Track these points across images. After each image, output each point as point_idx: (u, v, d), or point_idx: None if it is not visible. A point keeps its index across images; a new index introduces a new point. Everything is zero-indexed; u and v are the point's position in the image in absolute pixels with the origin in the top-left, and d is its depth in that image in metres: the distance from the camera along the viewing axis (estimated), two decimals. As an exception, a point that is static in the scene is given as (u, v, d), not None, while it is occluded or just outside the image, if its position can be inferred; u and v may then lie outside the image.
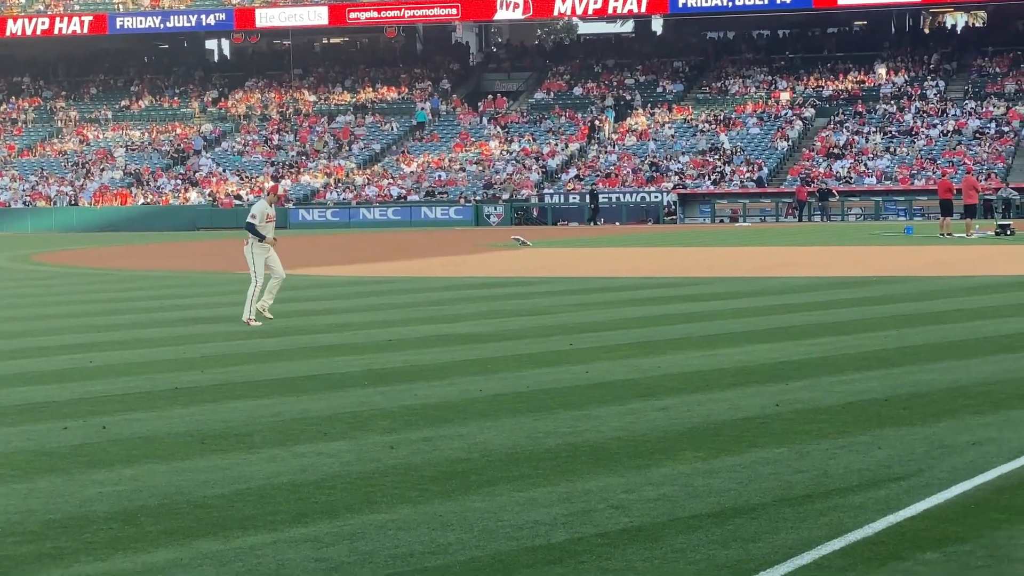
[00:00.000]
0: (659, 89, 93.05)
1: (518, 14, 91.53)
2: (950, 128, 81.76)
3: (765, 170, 79.78)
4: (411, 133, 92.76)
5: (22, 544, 9.27)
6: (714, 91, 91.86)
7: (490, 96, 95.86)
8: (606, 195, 78.58)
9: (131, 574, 8.54)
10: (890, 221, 71.35)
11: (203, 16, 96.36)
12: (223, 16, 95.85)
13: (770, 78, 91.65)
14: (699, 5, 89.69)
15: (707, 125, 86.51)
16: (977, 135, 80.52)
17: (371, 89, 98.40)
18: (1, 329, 24.18)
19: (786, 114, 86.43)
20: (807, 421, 13.23)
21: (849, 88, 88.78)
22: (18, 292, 34.24)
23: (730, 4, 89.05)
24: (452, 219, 79.45)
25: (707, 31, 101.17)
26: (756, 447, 11.99)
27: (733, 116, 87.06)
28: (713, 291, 29.41)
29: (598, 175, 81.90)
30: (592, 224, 76.22)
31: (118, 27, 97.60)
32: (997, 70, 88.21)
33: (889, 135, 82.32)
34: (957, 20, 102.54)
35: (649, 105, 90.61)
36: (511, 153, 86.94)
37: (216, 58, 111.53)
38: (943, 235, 51.53)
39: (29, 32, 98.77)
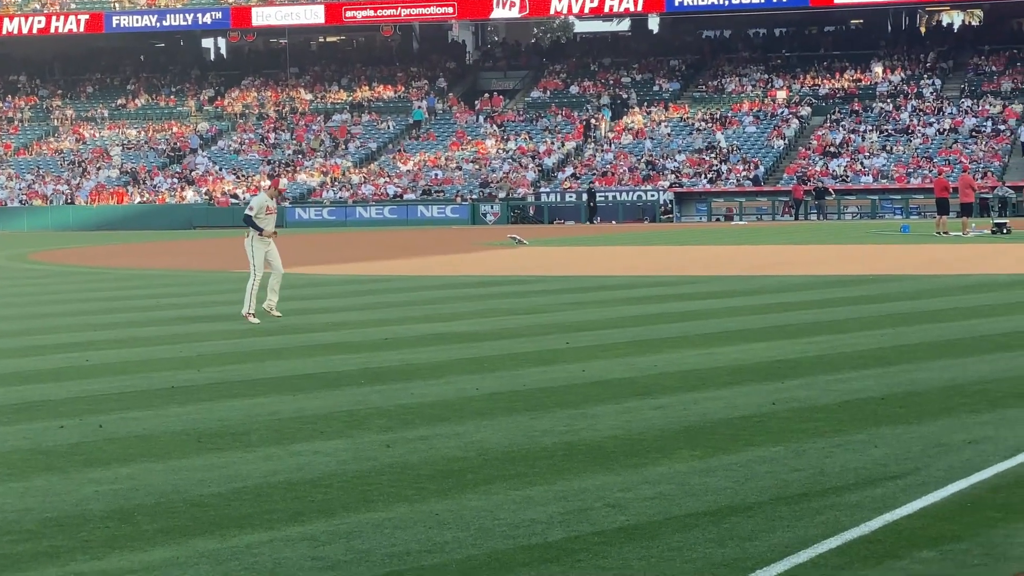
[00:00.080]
0: (655, 87, 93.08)
1: (514, 12, 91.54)
2: (946, 126, 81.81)
3: (761, 169, 79.82)
4: (407, 132, 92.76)
5: (18, 543, 9.26)
6: (710, 89, 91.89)
7: (486, 95, 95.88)
8: (602, 194, 78.58)
9: (128, 573, 8.53)
10: (886, 220, 71.39)
11: (199, 15, 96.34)
12: (219, 15, 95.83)
13: (766, 76, 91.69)
14: (695, 4, 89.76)
15: (703, 123, 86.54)
16: (973, 133, 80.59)
17: (367, 88, 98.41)
18: (-3, 328, 24.18)
19: (782, 112, 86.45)
20: (803, 420, 13.23)
21: (845, 86, 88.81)
22: (14, 291, 34.23)
23: (726, 3, 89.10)
24: (448, 218, 79.47)
25: (703, 30, 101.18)
26: (752, 446, 11.99)
27: (729, 115, 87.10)
28: (709, 290, 29.41)
29: (594, 174, 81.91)
30: (589, 223, 76.26)
31: (114, 26, 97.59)
32: (993, 68, 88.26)
33: (885, 133, 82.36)
34: (953, 18, 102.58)
35: (645, 103, 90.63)
36: (507, 152, 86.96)
37: (212, 57, 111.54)
38: (939, 233, 51.55)
39: (25, 31, 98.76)
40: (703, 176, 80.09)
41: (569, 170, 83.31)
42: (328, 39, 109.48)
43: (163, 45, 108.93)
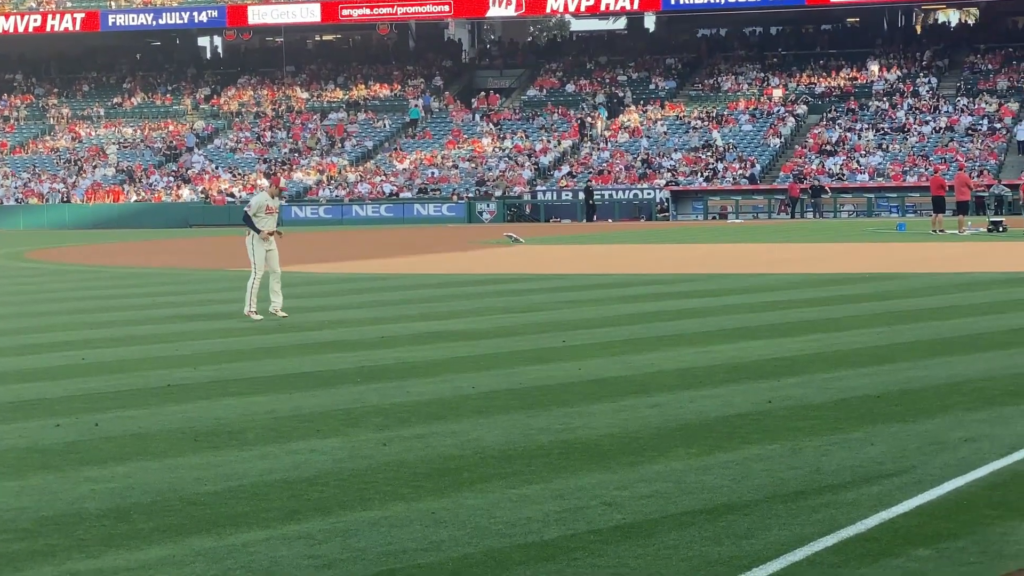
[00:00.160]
0: (652, 86, 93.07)
1: (511, 11, 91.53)
2: (942, 125, 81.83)
3: (758, 167, 79.84)
4: (404, 130, 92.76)
5: (14, 542, 9.26)
6: (707, 88, 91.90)
7: (482, 93, 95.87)
8: (599, 192, 78.56)
9: (124, 571, 8.53)
10: (882, 218, 71.42)
11: (195, 13, 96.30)
12: (215, 13, 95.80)
13: (763, 75, 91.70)
14: (691, 2, 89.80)
15: (700, 122, 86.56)
16: (969, 132, 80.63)
17: (363, 86, 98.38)
18: (-7, 326, 24.16)
19: (779, 111, 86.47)
20: (800, 418, 13.24)
21: (842, 85, 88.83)
22: (11, 289, 34.20)
23: (722, 1, 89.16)
24: (445, 216, 79.47)
25: (699, 28, 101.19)
26: (749, 444, 12.00)
27: (726, 113, 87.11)
28: (706, 288, 29.42)
29: (591, 172, 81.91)
30: (587, 221, 76.27)
31: (110, 24, 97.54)
32: (989, 67, 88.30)
33: (882, 132, 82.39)
34: (949, 17, 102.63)
35: (641, 102, 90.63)
36: (504, 150, 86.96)
37: (208, 55, 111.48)
38: (935, 232, 51.59)
39: (21, 29, 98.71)
40: (699, 174, 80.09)
41: (565, 168, 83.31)
42: (324, 37, 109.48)
43: (159, 43, 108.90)
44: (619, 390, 15.18)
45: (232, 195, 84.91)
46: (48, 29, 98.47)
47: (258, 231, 24.04)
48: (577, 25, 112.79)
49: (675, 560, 8.52)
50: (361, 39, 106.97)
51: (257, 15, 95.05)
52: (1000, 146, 79.02)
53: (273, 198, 24.52)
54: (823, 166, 78.85)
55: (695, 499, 10.02)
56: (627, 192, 79.23)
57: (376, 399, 14.90)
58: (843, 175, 77.81)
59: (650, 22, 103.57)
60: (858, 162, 78.98)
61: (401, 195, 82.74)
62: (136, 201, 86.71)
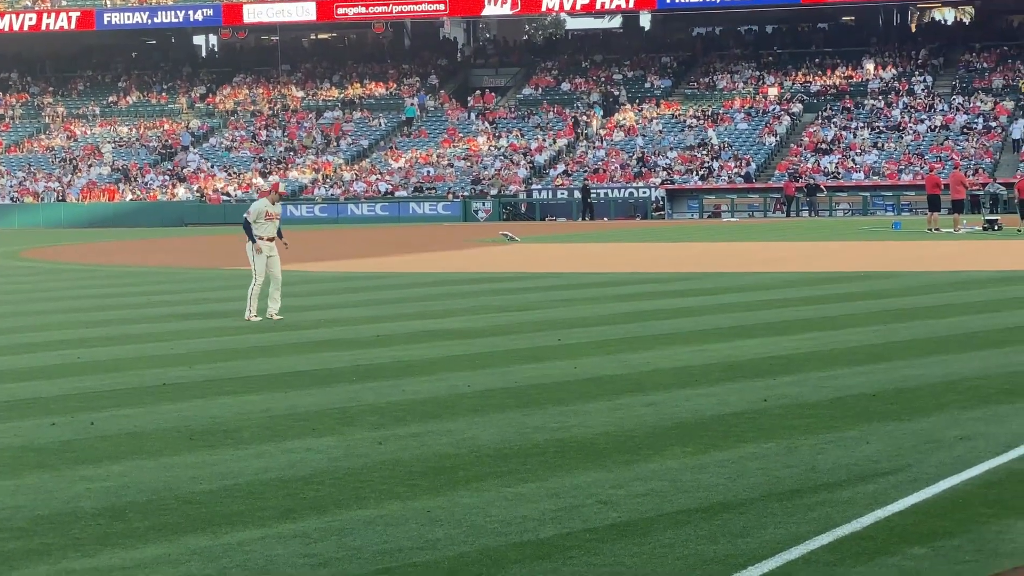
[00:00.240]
0: (647, 84, 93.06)
1: (506, 9, 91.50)
2: (938, 123, 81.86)
3: (753, 165, 79.84)
4: (399, 129, 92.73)
5: (9, 540, 9.25)
6: (702, 87, 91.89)
7: (478, 92, 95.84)
8: (594, 191, 78.55)
9: (119, 570, 8.53)
10: (878, 216, 71.43)
11: (191, 12, 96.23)
12: (211, 12, 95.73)
13: (758, 73, 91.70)
14: (687, 1, 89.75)
15: (695, 120, 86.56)
16: (965, 130, 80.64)
17: (359, 85, 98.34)
18: (-11, 325, 24.15)
19: (774, 109, 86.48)
20: (795, 416, 13.24)
21: (837, 83, 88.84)
22: (6, 288, 34.18)
23: (718, 0, 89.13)
24: (440, 215, 79.45)
25: (695, 27, 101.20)
26: (744, 442, 12.00)
27: (721, 111, 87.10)
28: (701, 287, 29.43)
29: (586, 171, 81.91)
30: (582, 219, 76.29)
31: (105, 23, 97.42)
32: (985, 65, 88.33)
33: (877, 130, 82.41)
34: (945, 15, 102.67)
35: (637, 100, 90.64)
36: (499, 149, 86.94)
37: (204, 54, 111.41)
38: (931, 230, 51.61)
39: (16, 28, 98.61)
40: (695, 173, 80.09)
41: (561, 167, 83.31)
42: (320, 36, 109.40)
43: (154, 42, 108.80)
44: (615, 389, 15.19)
45: (227, 194, 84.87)
46: (43, 28, 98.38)
47: (254, 240, 23.87)
48: (572, 23, 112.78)
49: (671, 558, 8.52)
50: (357, 38, 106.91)
51: (252, 14, 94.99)
52: (995, 144, 79.05)
53: (273, 204, 24.32)
54: (818, 164, 78.86)
55: (691, 497, 10.02)
56: (623, 191, 79.23)
57: (372, 398, 14.90)
58: (838, 174, 77.81)
59: (645, 20, 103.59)
60: (853, 160, 79.00)
61: (396, 194, 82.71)
62: (131, 200, 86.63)
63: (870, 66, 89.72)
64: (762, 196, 77.62)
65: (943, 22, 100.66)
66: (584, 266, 37.74)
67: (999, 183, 67.18)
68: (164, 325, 23.42)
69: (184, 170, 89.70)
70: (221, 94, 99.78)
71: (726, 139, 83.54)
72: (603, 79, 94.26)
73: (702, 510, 9.66)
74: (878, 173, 77.35)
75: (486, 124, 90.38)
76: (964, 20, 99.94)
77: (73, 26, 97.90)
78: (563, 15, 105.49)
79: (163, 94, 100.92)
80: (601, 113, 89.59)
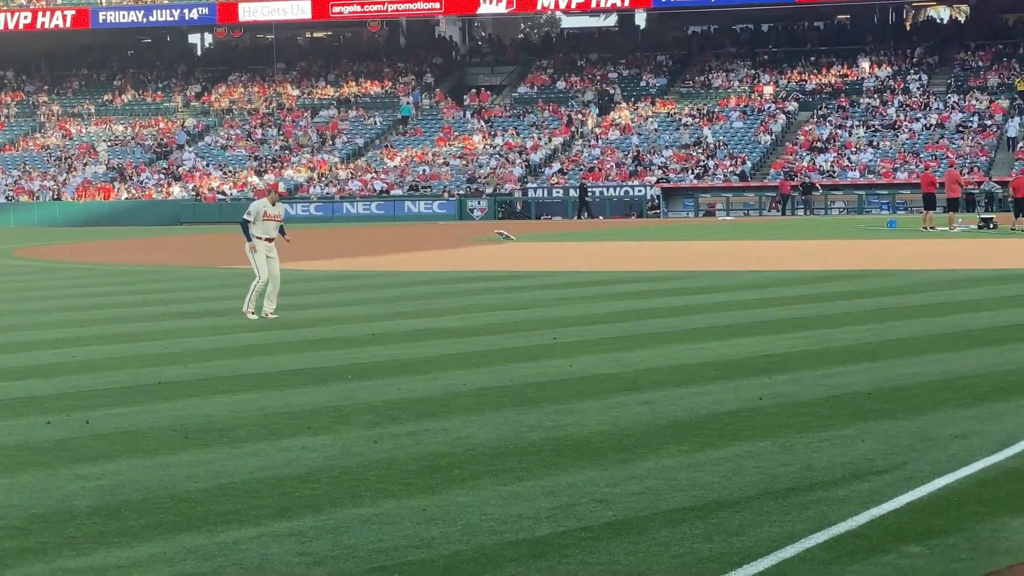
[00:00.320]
0: (642, 83, 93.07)
1: (501, 8, 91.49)
2: (933, 122, 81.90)
3: (748, 164, 79.85)
4: (394, 127, 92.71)
5: (5, 539, 9.25)
6: (697, 85, 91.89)
7: (473, 90, 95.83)
8: (590, 189, 78.52)
9: (115, 568, 8.52)
10: (873, 215, 71.46)
11: (186, 10, 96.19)
12: (206, 10, 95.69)
13: (753, 72, 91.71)
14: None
15: (690, 119, 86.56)
16: (960, 129, 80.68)
17: (354, 83, 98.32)
18: (-16, 324, 24.13)
19: (769, 108, 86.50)
20: (791, 415, 13.25)
21: (832, 82, 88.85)
22: (1, 287, 34.14)
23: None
24: (436, 213, 79.44)
25: (690, 25, 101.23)
26: (740, 441, 12.01)
27: (716, 110, 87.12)
28: (697, 285, 29.44)
29: (581, 169, 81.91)
30: (577, 218, 76.30)
31: (100, 21, 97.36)
32: (980, 64, 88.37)
33: (872, 129, 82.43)
34: (940, 14, 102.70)
35: (632, 99, 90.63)
36: (494, 147, 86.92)
37: (199, 52, 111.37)
38: (926, 229, 51.64)
39: (11, 26, 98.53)
40: (690, 171, 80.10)
41: (556, 166, 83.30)
42: (315, 34, 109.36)
43: (150, 41, 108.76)
44: (610, 387, 15.19)
45: (223, 193, 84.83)
46: (38, 26, 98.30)
47: (250, 239, 23.83)
48: (568, 22, 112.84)
49: (666, 557, 8.52)
50: (352, 36, 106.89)
51: (248, 12, 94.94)
52: (990, 143, 79.10)
53: (274, 205, 24.23)
54: (814, 163, 78.89)
55: (686, 496, 10.02)
56: (618, 189, 79.24)
57: (367, 396, 14.90)
58: (834, 172, 77.85)
59: (641, 19, 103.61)
60: (849, 159, 79.03)
61: (392, 192, 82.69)
62: (126, 199, 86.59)
63: (865, 64, 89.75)
64: (757, 195, 77.64)
65: (938, 20, 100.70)
66: (579, 265, 37.74)
67: (994, 181, 67.23)
68: (159, 324, 23.40)
69: (179, 169, 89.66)
70: (216, 93, 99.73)
71: (721, 137, 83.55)
72: (598, 77, 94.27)
73: (697, 508, 9.66)
74: (873, 171, 77.39)
75: (481, 123, 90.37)
76: (959, 18, 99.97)
77: (68, 24, 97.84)
78: (558, 13, 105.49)
79: (158, 93, 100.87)
80: (596, 111, 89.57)
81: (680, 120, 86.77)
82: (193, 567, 8.52)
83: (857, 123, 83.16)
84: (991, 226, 51.17)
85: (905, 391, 14.52)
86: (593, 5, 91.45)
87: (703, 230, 58.84)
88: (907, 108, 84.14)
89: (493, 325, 22.05)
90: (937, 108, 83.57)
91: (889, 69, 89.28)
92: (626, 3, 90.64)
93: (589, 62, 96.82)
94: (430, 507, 9.82)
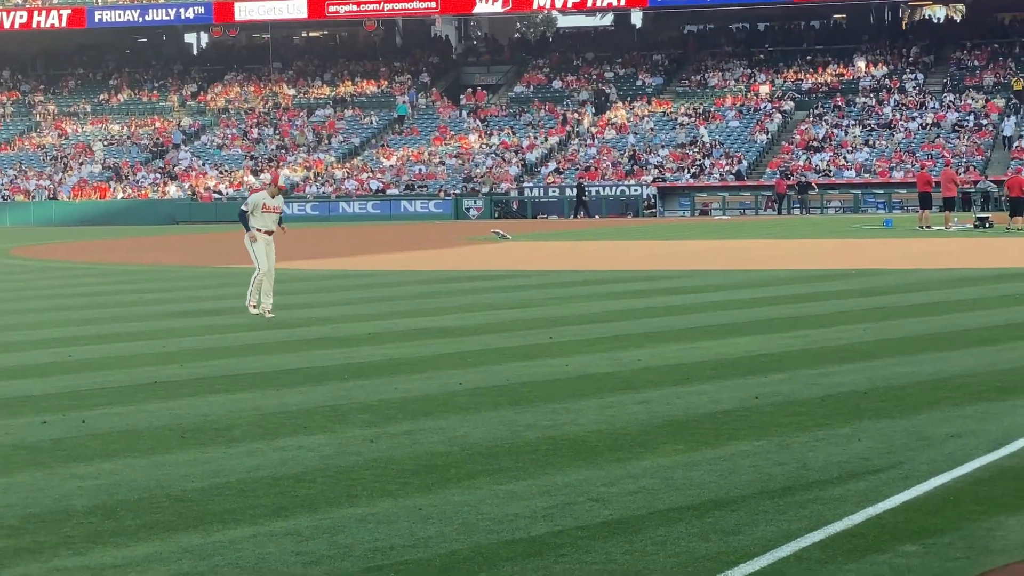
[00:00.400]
0: (639, 82, 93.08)
1: (497, 7, 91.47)
2: (929, 121, 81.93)
3: (744, 163, 79.87)
4: (391, 126, 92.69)
5: (1, 539, 9.24)
6: (693, 84, 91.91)
7: (469, 89, 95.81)
8: (587, 188, 78.52)
9: (111, 568, 8.52)
10: (869, 214, 71.47)
11: (182, 9, 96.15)
12: (202, 9, 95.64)
13: (749, 71, 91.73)
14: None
15: (687, 118, 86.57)
16: (956, 128, 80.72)
17: (350, 83, 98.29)
18: (-20, 323, 24.11)
19: (765, 107, 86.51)
20: (787, 414, 13.25)
21: (828, 81, 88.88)
22: (-3, 286, 34.14)
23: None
24: (432, 212, 79.45)
25: (686, 24, 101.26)
26: (736, 440, 12.01)
27: (712, 109, 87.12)
28: (693, 284, 29.44)
29: (577, 168, 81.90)
30: (574, 217, 76.29)
31: (96, 20, 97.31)
32: (976, 63, 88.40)
33: (868, 128, 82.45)
34: (936, 13, 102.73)
35: (628, 98, 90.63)
36: (491, 146, 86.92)
37: (195, 52, 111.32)
38: (922, 228, 51.66)
39: (7, 26, 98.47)
40: (686, 171, 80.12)
41: (552, 165, 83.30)
42: (311, 34, 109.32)
43: (146, 40, 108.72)
44: (606, 386, 15.19)
45: (219, 192, 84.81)
46: (34, 26, 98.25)
47: (248, 229, 23.82)
48: (564, 21, 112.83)
49: (662, 556, 8.53)
50: (348, 35, 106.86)
51: (244, 11, 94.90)
52: (986, 142, 79.12)
53: (273, 197, 24.19)
54: (810, 162, 78.90)
55: (682, 495, 10.02)
56: (614, 188, 79.24)
57: (363, 396, 14.90)
58: (830, 171, 77.87)
59: (637, 18, 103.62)
60: (845, 158, 79.05)
61: (388, 192, 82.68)
62: (123, 198, 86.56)
63: (861, 64, 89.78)
64: (754, 194, 77.67)
65: (934, 20, 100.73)
66: (575, 264, 37.74)
67: (990, 180, 67.28)
68: (155, 323, 23.39)
69: (175, 168, 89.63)
70: (212, 92, 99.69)
71: (717, 137, 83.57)
72: (595, 77, 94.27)
73: (694, 508, 9.66)
74: (869, 171, 77.41)
75: (478, 122, 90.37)
76: (955, 18, 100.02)
77: (64, 24, 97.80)
78: (554, 13, 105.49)
79: (154, 92, 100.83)
80: (592, 111, 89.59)
81: (676, 119, 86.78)
82: (189, 566, 8.52)
83: (853, 122, 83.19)
84: (987, 225, 51.18)
85: (901, 390, 14.53)
86: (589, 4, 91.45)
87: (699, 229, 58.85)
88: (903, 107, 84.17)
89: (489, 324, 22.06)
90: (933, 107, 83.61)
91: (885, 68, 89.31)
92: (622, 2, 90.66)
93: (585, 61, 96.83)
94: (426, 506, 9.82)
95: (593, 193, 78.31)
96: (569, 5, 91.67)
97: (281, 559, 8.62)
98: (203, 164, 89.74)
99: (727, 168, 79.43)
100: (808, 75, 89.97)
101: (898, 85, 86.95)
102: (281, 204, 24.41)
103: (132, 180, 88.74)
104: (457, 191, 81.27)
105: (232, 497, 10.25)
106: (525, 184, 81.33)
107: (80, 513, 9.86)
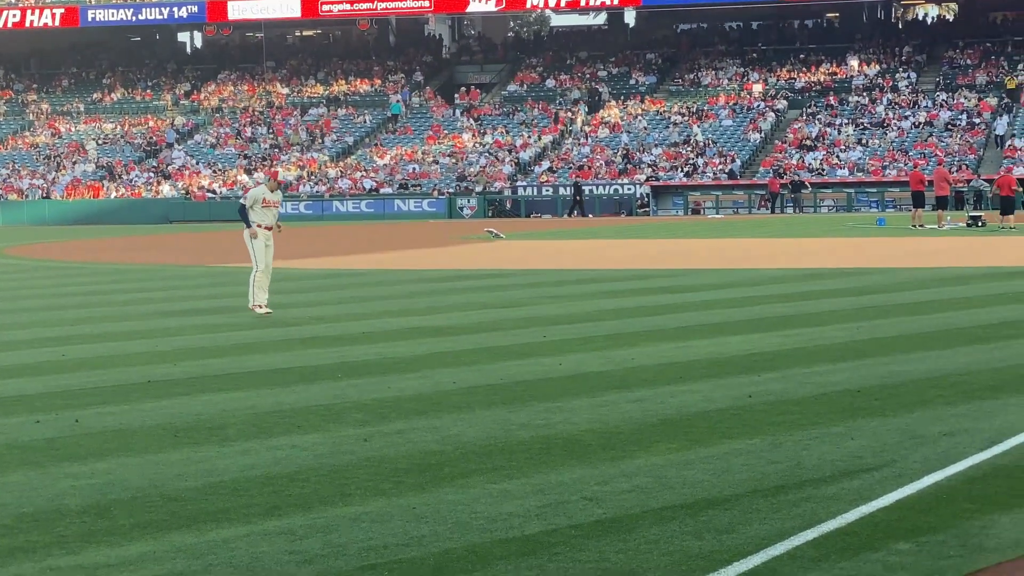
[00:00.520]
0: (632, 81, 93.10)
1: (491, 6, 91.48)
2: (922, 120, 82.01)
3: (738, 162, 79.91)
4: (384, 125, 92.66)
5: (-5, 538, 9.24)
6: (687, 83, 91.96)
7: (463, 88, 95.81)
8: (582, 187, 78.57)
9: (104, 567, 8.51)
10: (862, 213, 71.53)
11: (175, 8, 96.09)
12: (195, 8, 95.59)
13: (742, 70, 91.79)
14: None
15: (680, 117, 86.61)
16: (948, 127, 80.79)
17: (344, 82, 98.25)
18: (-27, 323, 24.09)
19: (758, 106, 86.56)
20: (780, 412, 13.25)
21: (821, 80, 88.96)
22: (-10, 286, 34.10)
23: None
24: (425, 211, 79.45)
25: (679, 23, 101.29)
26: (729, 438, 12.01)
27: (706, 108, 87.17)
28: (686, 283, 29.45)
29: (571, 167, 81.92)
30: (569, 216, 76.28)
31: (90, 19, 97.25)
32: (968, 62, 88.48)
33: (861, 127, 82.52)
34: (929, 12, 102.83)
35: (622, 97, 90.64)
36: (484, 145, 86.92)
37: (189, 51, 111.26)
38: (915, 226, 51.69)
39: (0, 25, 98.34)
40: (679, 170, 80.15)
41: (546, 164, 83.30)
42: (304, 33, 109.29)
43: (139, 39, 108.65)
44: (599, 385, 15.19)
45: (213, 191, 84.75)
46: (27, 25, 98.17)
47: (249, 224, 23.81)
48: (557, 20, 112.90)
49: (656, 555, 8.53)
50: (341, 34, 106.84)
51: (237, 10, 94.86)
52: (979, 141, 79.20)
53: (272, 192, 24.22)
54: (803, 161, 78.96)
55: (676, 494, 10.03)
56: (607, 187, 79.26)
57: (357, 395, 14.89)
58: (823, 170, 77.93)
59: (630, 17, 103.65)
60: (838, 157, 79.11)
61: (381, 191, 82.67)
62: (116, 197, 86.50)
63: (854, 63, 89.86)
64: (747, 193, 77.72)
65: (927, 19, 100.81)
66: (569, 263, 37.74)
67: (983, 179, 67.32)
68: (149, 322, 23.38)
69: (169, 167, 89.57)
70: (206, 91, 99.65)
71: (711, 136, 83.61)
72: (588, 76, 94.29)
73: (687, 506, 9.66)
74: (862, 170, 77.48)
75: (471, 121, 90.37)
76: (948, 17, 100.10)
77: (57, 23, 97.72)
78: (548, 12, 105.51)
79: (148, 91, 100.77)
80: (585, 110, 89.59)
81: (669, 118, 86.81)
82: (183, 566, 8.51)
83: (846, 121, 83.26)
84: (980, 224, 51.24)
85: (894, 389, 14.54)
86: (583, 3, 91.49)
87: (692, 228, 58.86)
88: (896, 106, 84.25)
89: (483, 323, 22.06)
90: (926, 106, 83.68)
91: (878, 67, 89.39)
92: (615, 1, 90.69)
93: (578, 60, 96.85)
94: (420, 505, 9.82)
95: (587, 192, 78.31)
96: (562, 4, 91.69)
97: (275, 558, 8.62)
98: (197, 163, 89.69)
99: (720, 167, 79.47)
100: (801, 74, 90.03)
101: (891, 84, 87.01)
102: (280, 199, 24.46)
103: (125, 179, 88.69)
104: (451, 190, 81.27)
105: (226, 496, 10.25)
106: (519, 183, 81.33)
107: (73, 512, 9.86)
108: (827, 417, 12.93)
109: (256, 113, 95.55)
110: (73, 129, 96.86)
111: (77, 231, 72.16)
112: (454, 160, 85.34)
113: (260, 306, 23.75)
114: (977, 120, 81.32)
